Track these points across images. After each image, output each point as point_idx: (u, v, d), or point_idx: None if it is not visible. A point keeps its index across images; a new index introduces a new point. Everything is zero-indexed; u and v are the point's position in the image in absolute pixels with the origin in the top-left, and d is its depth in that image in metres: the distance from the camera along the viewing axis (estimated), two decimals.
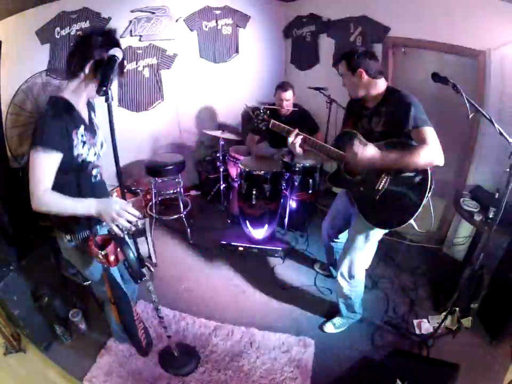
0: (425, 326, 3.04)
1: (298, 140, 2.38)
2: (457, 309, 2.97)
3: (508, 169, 1.98)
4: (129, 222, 1.69)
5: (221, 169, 4.37)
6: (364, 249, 2.58)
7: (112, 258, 1.79)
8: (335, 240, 3.10)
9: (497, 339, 2.88)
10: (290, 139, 2.38)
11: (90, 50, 1.66)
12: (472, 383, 2.54)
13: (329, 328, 3.02)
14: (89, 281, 2.95)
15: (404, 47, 3.82)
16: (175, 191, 4.24)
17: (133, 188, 4.07)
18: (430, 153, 2.01)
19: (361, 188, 2.35)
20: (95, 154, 1.89)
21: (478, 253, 2.40)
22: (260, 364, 2.69)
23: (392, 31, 3.85)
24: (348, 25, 4.26)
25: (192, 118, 4.84)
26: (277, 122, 2.50)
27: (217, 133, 4.11)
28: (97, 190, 1.98)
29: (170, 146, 4.65)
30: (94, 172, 1.96)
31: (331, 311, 3.17)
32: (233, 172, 4.20)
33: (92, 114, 1.98)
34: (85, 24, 3.55)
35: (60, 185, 1.67)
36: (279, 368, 2.66)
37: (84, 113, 1.87)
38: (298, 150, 2.41)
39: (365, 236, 2.51)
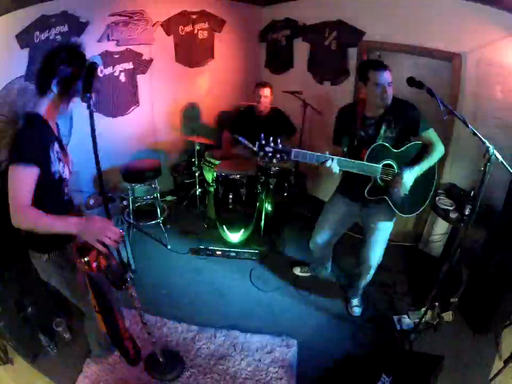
0: (406, 321, 3.10)
1: (335, 166, 2.23)
2: (436, 304, 3.03)
3: (482, 168, 2.05)
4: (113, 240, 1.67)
5: (197, 174, 4.37)
6: (387, 237, 2.86)
7: (94, 265, 1.76)
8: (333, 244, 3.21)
9: (480, 332, 2.97)
10: (328, 164, 2.20)
11: (55, 68, 1.66)
12: (457, 375, 2.61)
13: None
14: None
15: (378, 51, 3.90)
16: (151, 197, 4.22)
17: (110, 194, 4.02)
18: (442, 149, 2.51)
19: (396, 189, 2.46)
20: (69, 171, 1.90)
21: (454, 249, 2.47)
22: (244, 365, 2.70)
23: (367, 35, 3.94)
24: (323, 30, 4.34)
25: (167, 123, 4.81)
26: (302, 151, 2.16)
27: (192, 138, 4.12)
28: (67, 208, 1.95)
29: (146, 151, 4.60)
30: (66, 189, 1.95)
31: (309, 308, 3.30)
32: (209, 176, 4.21)
33: (60, 132, 1.96)
34: (64, 28, 3.49)
35: (35, 201, 1.63)
36: (264, 369, 2.68)
37: (56, 130, 1.87)
38: (337, 171, 2.25)
39: (390, 226, 2.81)
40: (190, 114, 4.97)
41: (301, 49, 4.77)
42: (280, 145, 2.06)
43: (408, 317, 3.16)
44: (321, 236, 3.05)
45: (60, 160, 1.79)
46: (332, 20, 4.21)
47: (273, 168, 3.96)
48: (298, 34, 4.73)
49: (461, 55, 3.23)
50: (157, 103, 4.59)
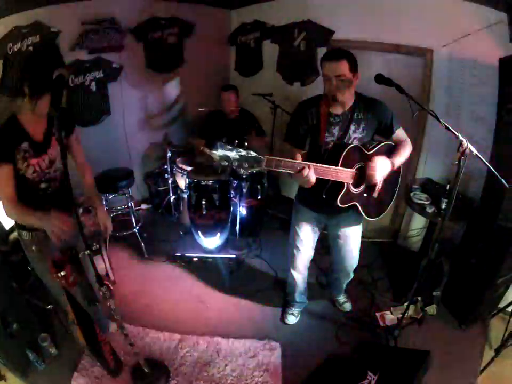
0: (389, 317, 3.14)
1: (312, 174, 1.97)
2: (419, 298, 3.06)
3: (457, 162, 2.04)
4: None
5: (170, 181, 4.32)
6: (359, 239, 2.79)
7: (71, 279, 1.75)
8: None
9: (466, 323, 3.01)
10: (305, 172, 1.93)
11: (26, 69, 1.73)
12: (446, 368, 2.62)
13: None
14: (52, 305, 2.90)
15: (348, 49, 3.88)
16: (126, 206, 4.15)
17: (85, 206, 3.92)
18: (411, 147, 2.41)
19: (366, 194, 2.36)
20: (34, 172, 1.92)
21: (433, 243, 2.51)
22: (229, 371, 2.68)
23: (336, 34, 3.99)
24: (292, 31, 4.37)
25: (138, 131, 4.73)
26: (275, 158, 1.86)
27: (165, 145, 4.08)
28: (48, 203, 2.00)
29: (119, 160, 4.48)
30: (42, 185, 1.99)
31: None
32: (182, 183, 4.15)
33: (52, 130, 1.96)
34: (36, 39, 3.37)
35: (20, 195, 1.83)
36: (249, 374, 2.66)
37: (34, 130, 1.90)
38: (314, 180, 2.00)
39: (360, 229, 2.74)
40: (161, 120, 4.91)
41: (270, 51, 4.79)
42: (251, 152, 1.73)
43: (391, 313, 3.19)
44: (303, 259, 2.88)
45: (25, 159, 1.85)
46: (301, 20, 4.25)
47: (245, 172, 3.87)
48: (267, 36, 4.75)
49: (433, 50, 3.29)
50: (128, 111, 4.50)
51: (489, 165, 2.08)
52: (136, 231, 4.05)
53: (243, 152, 1.71)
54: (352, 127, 2.29)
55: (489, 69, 2.97)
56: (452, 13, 3.10)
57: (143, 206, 4.98)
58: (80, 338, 2.17)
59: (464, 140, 1.96)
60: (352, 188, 2.26)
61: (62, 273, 1.74)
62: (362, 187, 2.30)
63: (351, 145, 2.18)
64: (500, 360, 2.67)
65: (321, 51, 4.15)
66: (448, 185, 3.12)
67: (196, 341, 2.91)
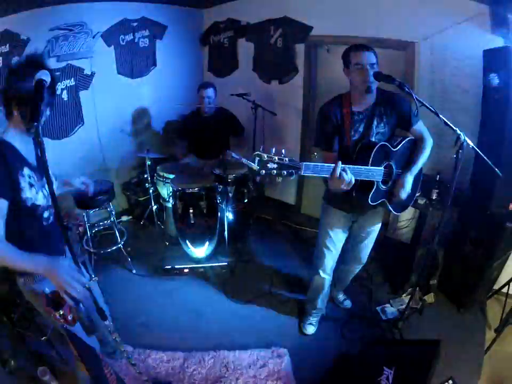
0: (390, 310, 3.19)
1: (350, 175, 1.92)
2: (417, 288, 3.09)
3: (454, 156, 2.08)
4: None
5: (151, 190, 4.16)
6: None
7: (70, 317, 1.61)
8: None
9: (464, 306, 3.10)
10: (347, 176, 1.88)
11: (10, 86, 1.53)
12: (452, 352, 2.63)
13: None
14: (46, 336, 2.76)
15: (327, 45, 3.90)
16: (108, 221, 3.99)
17: (65, 223, 3.74)
18: (432, 141, 2.41)
19: (398, 193, 2.33)
20: (44, 196, 1.72)
21: (433, 234, 2.54)
22: None
23: (314, 30, 3.93)
24: (268, 28, 4.31)
25: (113, 139, 4.55)
26: (313, 163, 1.80)
27: (142, 154, 3.92)
28: (50, 234, 1.83)
29: (96, 173, 4.29)
30: (46, 214, 1.79)
31: (292, 313, 3.27)
32: (164, 191, 4.03)
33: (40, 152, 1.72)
34: (5, 49, 3.26)
35: (12, 234, 1.56)
36: None
37: (28, 153, 1.70)
38: (353, 180, 1.95)
39: (381, 225, 2.78)
40: (137, 127, 4.75)
41: (245, 50, 4.71)
42: (288, 159, 1.67)
43: (391, 305, 3.24)
44: (332, 260, 2.81)
45: (31, 185, 1.64)
46: (277, 17, 4.19)
47: (230, 176, 3.80)
48: (241, 35, 4.66)
49: (414, 43, 3.30)
50: (102, 119, 4.33)
51: (485, 158, 2.17)
52: (121, 246, 3.87)
53: (281, 160, 1.66)
54: (375, 122, 2.32)
55: (473, 60, 3.00)
56: (433, 6, 3.11)
57: (124, 218, 4.83)
58: (85, 371, 2.04)
59: (461, 134, 2.01)
60: (381, 185, 2.27)
61: (60, 312, 1.56)
62: (389, 184, 2.31)
63: (379, 144, 2.17)
64: (500, 338, 2.76)
65: (299, 48, 4.15)
66: (438, 175, 3.17)
67: (201, 357, 2.80)
